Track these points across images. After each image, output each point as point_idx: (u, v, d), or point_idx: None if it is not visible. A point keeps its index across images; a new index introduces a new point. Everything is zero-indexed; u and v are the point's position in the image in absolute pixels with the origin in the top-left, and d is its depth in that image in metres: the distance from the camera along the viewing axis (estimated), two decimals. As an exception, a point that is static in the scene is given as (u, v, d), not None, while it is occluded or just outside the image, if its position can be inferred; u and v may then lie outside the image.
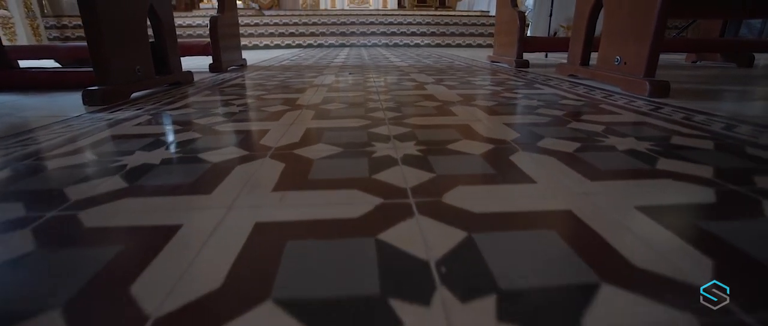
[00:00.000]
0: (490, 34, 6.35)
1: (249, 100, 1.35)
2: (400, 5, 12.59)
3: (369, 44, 6.12)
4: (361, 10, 9.32)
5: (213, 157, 0.70)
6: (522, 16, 2.40)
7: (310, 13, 7.54)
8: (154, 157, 0.71)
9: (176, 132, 0.90)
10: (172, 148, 0.76)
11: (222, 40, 2.41)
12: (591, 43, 1.79)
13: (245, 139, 0.82)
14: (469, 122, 0.96)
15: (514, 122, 0.96)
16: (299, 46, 6.05)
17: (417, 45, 6.12)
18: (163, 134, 0.88)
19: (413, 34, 6.26)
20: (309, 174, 0.61)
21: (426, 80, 1.81)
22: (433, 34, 6.30)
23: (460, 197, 0.51)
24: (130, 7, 1.45)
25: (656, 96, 1.30)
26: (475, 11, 9.52)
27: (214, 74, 2.25)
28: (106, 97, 1.29)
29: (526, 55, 2.52)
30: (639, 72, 1.39)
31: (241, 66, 2.77)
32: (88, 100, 1.26)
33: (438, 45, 6.11)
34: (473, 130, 0.88)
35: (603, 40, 1.61)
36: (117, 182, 0.58)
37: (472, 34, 6.30)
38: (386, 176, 0.59)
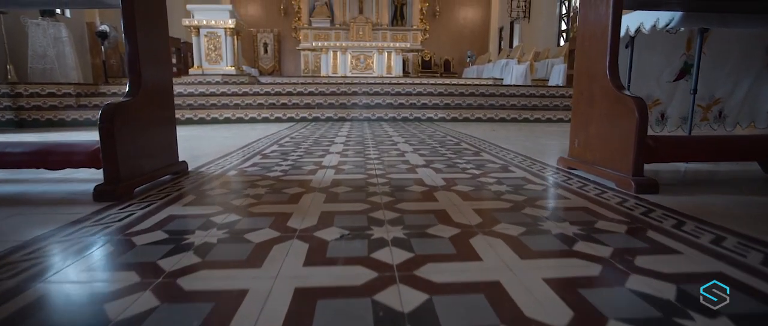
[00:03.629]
0: (513, 107, 5.48)
1: None
2: (405, 71, 12.14)
3: (373, 118, 5.23)
4: (365, 76, 8.66)
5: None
6: (642, 107, 1.40)
7: (308, 81, 6.78)
8: None
9: None
10: None
11: (126, 144, 1.40)
12: None
13: None
14: None
15: None
16: (291, 119, 5.15)
17: (430, 120, 5.21)
18: None
19: (424, 106, 5.39)
20: None
21: (530, 291, 0.74)
22: (446, 106, 5.43)
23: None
24: None
25: None
26: (485, 79, 8.87)
27: (99, 209, 1.20)
28: None
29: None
30: None
31: (175, 175, 1.73)
32: None
33: (454, 120, 5.21)
34: None
35: None
36: None
37: (492, 107, 5.43)
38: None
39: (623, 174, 1.45)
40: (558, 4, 10.88)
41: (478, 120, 5.25)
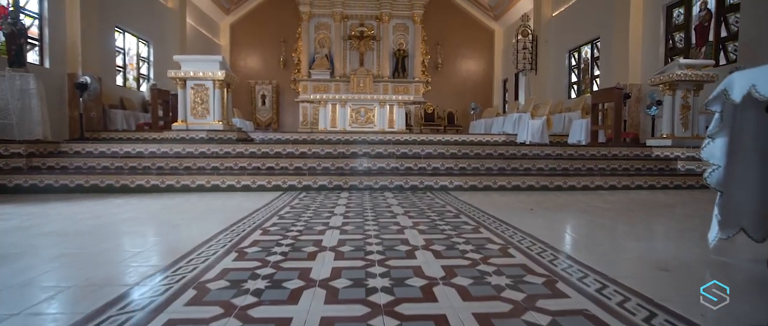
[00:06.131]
0: (540, 172, 4.64)
1: None
2: (408, 124, 11.48)
3: (376, 187, 4.36)
4: (365, 131, 7.93)
5: None
6: None
7: (301, 140, 6.02)
8: None
9: None
10: None
11: None
12: None
13: None
14: None
15: None
16: (277, 188, 4.29)
17: (443, 189, 4.35)
18: None
19: (436, 172, 4.56)
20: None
21: None
22: (462, 171, 4.60)
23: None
24: None
25: None
26: (496, 134, 8.12)
27: None
28: None
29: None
30: None
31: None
32: None
33: (473, 188, 4.35)
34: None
35: None
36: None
37: (515, 173, 4.60)
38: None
39: None
40: (567, 55, 10.45)
41: (501, 188, 4.39)
